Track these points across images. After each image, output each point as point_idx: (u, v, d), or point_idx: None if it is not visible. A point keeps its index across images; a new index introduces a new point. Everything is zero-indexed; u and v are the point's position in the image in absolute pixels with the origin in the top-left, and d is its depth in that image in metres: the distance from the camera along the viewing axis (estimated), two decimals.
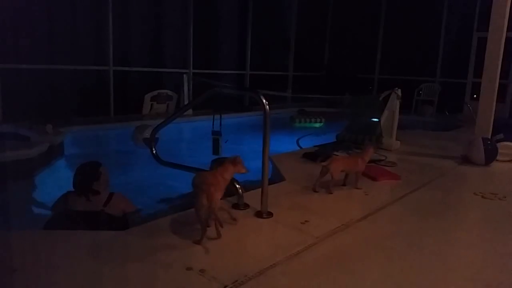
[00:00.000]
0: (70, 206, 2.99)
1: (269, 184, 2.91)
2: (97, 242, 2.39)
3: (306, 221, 2.78)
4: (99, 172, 3.10)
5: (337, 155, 3.90)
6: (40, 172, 4.81)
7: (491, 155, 4.83)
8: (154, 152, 3.56)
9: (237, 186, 3.01)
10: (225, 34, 10.58)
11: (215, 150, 3.48)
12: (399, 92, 5.55)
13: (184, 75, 9.10)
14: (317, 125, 9.62)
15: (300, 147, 6.36)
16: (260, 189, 2.87)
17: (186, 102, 8.77)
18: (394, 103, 5.56)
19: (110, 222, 2.93)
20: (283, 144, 6.02)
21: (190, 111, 8.01)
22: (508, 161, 5.03)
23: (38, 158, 4.89)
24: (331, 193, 3.38)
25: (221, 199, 2.99)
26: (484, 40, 5.35)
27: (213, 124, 3.40)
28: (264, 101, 2.72)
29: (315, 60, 13.04)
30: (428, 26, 11.26)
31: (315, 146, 5.56)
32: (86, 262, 2.15)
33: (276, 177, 3.90)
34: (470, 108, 8.52)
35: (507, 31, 5.00)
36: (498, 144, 5.00)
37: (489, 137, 5.05)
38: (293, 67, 12.40)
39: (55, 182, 4.59)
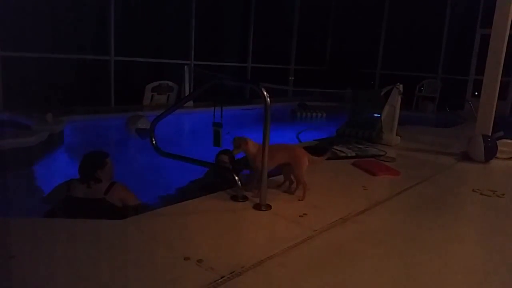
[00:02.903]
0: (71, 192, 3.05)
1: (268, 176, 2.92)
2: (96, 231, 2.39)
3: (304, 214, 2.79)
4: (105, 162, 3.17)
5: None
6: (40, 161, 4.81)
7: (490, 152, 4.84)
8: (154, 142, 3.56)
9: (236, 178, 3.02)
10: (228, 26, 10.55)
11: (216, 141, 3.46)
12: (400, 87, 5.55)
13: (186, 67, 9.08)
14: (318, 119, 9.60)
15: (300, 141, 6.36)
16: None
17: (187, 94, 8.75)
18: (395, 99, 5.55)
19: (109, 210, 2.96)
20: (283, 137, 6.00)
21: (190, 103, 7.99)
22: (508, 158, 5.03)
23: (38, 146, 4.90)
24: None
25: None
26: (487, 37, 5.33)
27: (213, 116, 3.39)
28: (265, 93, 2.71)
29: (317, 54, 13.00)
30: (431, 22, 11.20)
31: (315, 140, 5.56)
32: (85, 250, 2.16)
33: (275, 170, 3.89)
34: (471, 105, 8.50)
35: (511, 28, 4.98)
36: (498, 142, 5.00)
37: (489, 135, 5.05)
38: (295, 60, 12.36)
39: (54, 170, 4.61)
